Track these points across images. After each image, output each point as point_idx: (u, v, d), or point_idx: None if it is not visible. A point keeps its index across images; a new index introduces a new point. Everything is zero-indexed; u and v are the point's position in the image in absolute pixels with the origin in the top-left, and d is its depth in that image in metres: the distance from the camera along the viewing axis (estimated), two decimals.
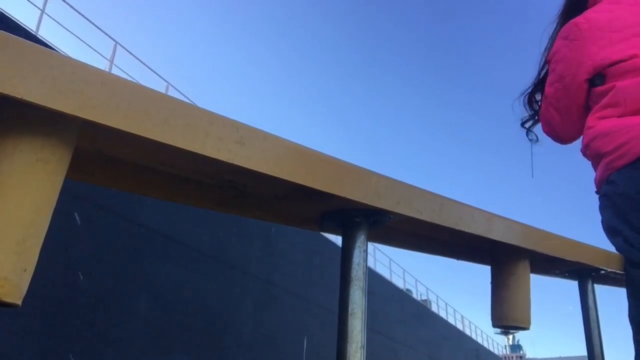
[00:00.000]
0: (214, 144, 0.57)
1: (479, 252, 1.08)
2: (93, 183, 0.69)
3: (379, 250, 17.44)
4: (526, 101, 1.51)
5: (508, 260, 1.02)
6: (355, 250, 0.75)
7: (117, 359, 7.18)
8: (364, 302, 0.73)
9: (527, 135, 1.55)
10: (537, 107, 1.48)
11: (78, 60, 0.49)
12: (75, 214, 6.60)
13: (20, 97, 0.44)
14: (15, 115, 0.48)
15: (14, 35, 0.45)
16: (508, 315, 1.00)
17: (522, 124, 1.55)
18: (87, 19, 9.08)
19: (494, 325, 1.04)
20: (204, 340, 8.60)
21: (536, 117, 1.50)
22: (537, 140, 1.55)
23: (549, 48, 1.44)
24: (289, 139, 0.66)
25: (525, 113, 1.55)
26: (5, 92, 0.43)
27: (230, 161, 0.59)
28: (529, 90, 1.50)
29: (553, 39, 1.44)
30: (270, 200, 0.79)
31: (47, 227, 0.51)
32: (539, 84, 1.46)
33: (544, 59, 1.46)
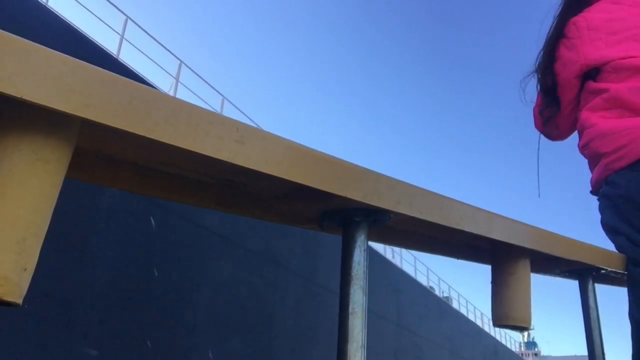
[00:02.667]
0: (214, 143, 0.57)
1: (479, 251, 1.08)
2: (93, 182, 0.69)
3: (406, 250, 18.00)
4: (541, 87, 1.47)
5: (508, 260, 1.02)
6: (356, 250, 0.75)
7: (185, 344, 8.08)
8: (364, 301, 0.73)
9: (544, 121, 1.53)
10: (553, 92, 1.45)
11: (78, 60, 0.49)
12: (151, 218, 7.49)
13: (20, 96, 0.44)
14: (15, 114, 0.48)
15: (12, 35, 0.45)
16: (508, 314, 1.00)
17: (541, 112, 1.52)
18: (159, 42, 9.77)
19: (495, 324, 1.04)
20: (255, 330, 9.62)
21: (554, 104, 1.47)
22: (557, 129, 1.52)
23: (548, 37, 1.44)
24: (291, 137, 0.66)
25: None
26: (5, 91, 0.43)
27: (230, 160, 0.58)
28: (541, 74, 1.46)
29: (551, 33, 1.43)
30: (270, 200, 0.79)
31: (47, 226, 0.51)
32: (547, 66, 1.43)
33: (545, 43, 1.45)
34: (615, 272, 1.20)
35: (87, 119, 0.48)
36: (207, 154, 0.57)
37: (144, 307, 7.49)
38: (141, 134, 0.51)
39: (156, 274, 7.53)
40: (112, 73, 0.51)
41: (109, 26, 8.65)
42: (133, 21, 9.13)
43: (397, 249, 17.30)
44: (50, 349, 6.20)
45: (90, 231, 6.77)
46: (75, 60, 0.48)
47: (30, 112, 0.47)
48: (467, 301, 25.60)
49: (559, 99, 1.39)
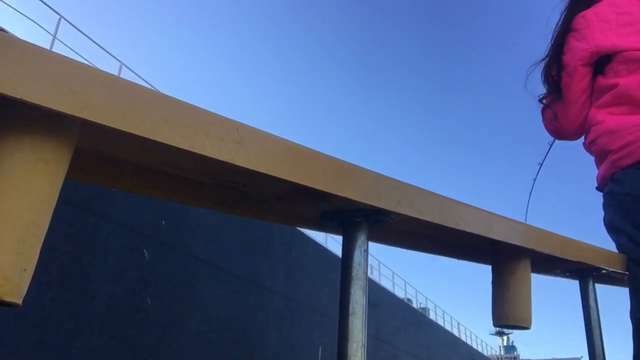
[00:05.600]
0: (214, 144, 0.57)
1: (479, 251, 1.08)
2: (93, 183, 0.69)
3: (384, 265, 19.30)
4: (544, 77, 1.45)
5: (509, 260, 1.02)
6: (356, 250, 0.75)
7: None
8: (364, 302, 0.73)
9: (542, 111, 1.50)
10: (555, 82, 1.41)
11: (78, 61, 0.49)
12: (145, 251, 8.13)
13: (19, 97, 0.44)
14: (15, 115, 0.48)
15: (13, 36, 0.45)
16: (509, 314, 1.00)
17: (540, 100, 1.49)
18: (96, 43, 9.26)
19: (495, 325, 1.04)
20: (240, 350, 10.20)
21: (554, 93, 1.43)
22: (555, 118, 1.49)
23: (556, 31, 1.43)
24: (290, 140, 0.66)
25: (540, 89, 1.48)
26: (5, 92, 0.43)
27: (230, 161, 0.58)
28: (545, 65, 1.44)
29: (559, 27, 1.42)
30: (271, 200, 0.79)
31: (47, 227, 0.51)
32: (554, 58, 1.41)
33: (553, 36, 1.43)
34: (615, 272, 1.20)
35: (86, 120, 0.48)
36: (207, 154, 0.57)
37: (138, 334, 8.07)
38: (141, 134, 0.52)
39: (149, 302, 8.16)
40: (112, 74, 0.51)
41: None
42: None
43: (375, 264, 17.96)
44: None
45: (89, 267, 7.38)
46: (75, 61, 0.49)
47: (30, 113, 0.47)
48: (443, 312, 26.86)
49: (567, 90, 1.36)
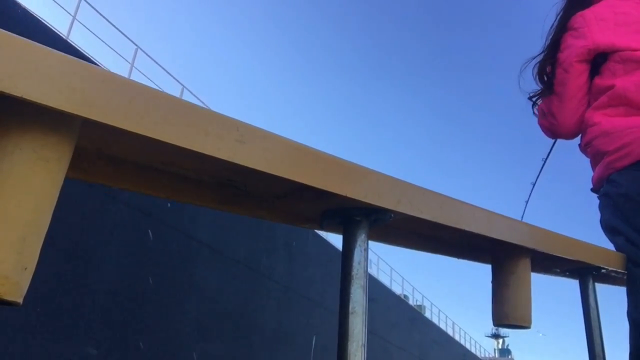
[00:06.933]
0: (214, 142, 0.57)
1: (479, 250, 1.08)
2: (93, 182, 0.69)
3: (383, 260, 19.61)
4: (537, 73, 1.44)
5: (509, 259, 1.02)
6: (356, 249, 0.75)
7: (174, 345, 8.91)
8: (364, 301, 0.73)
9: (532, 108, 1.50)
10: (548, 80, 1.41)
11: (78, 59, 0.49)
12: (149, 231, 8.32)
13: (20, 95, 0.44)
14: (15, 113, 0.48)
15: (13, 34, 0.45)
16: (509, 314, 1.00)
17: (530, 98, 1.49)
18: (114, 26, 9.55)
19: (495, 324, 1.04)
20: (237, 334, 10.49)
21: (547, 90, 1.42)
22: (550, 114, 1.47)
23: (553, 29, 1.43)
24: (290, 138, 0.66)
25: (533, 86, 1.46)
26: (5, 90, 0.43)
27: (230, 160, 0.58)
28: (539, 61, 1.44)
29: (556, 26, 1.43)
30: (271, 199, 0.79)
31: (47, 225, 0.51)
32: (549, 55, 1.41)
33: (549, 35, 1.43)
34: (615, 272, 1.20)
35: (87, 118, 0.48)
36: (207, 153, 0.57)
37: (138, 311, 8.26)
38: (141, 133, 0.51)
39: (151, 281, 8.34)
40: (113, 72, 0.51)
41: (60, 6, 8.25)
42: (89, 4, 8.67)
43: (374, 259, 18.09)
44: (55, 347, 6.84)
45: (96, 244, 7.57)
46: (75, 59, 0.49)
47: (31, 111, 0.47)
48: (439, 310, 27.14)
49: (564, 87, 1.35)
